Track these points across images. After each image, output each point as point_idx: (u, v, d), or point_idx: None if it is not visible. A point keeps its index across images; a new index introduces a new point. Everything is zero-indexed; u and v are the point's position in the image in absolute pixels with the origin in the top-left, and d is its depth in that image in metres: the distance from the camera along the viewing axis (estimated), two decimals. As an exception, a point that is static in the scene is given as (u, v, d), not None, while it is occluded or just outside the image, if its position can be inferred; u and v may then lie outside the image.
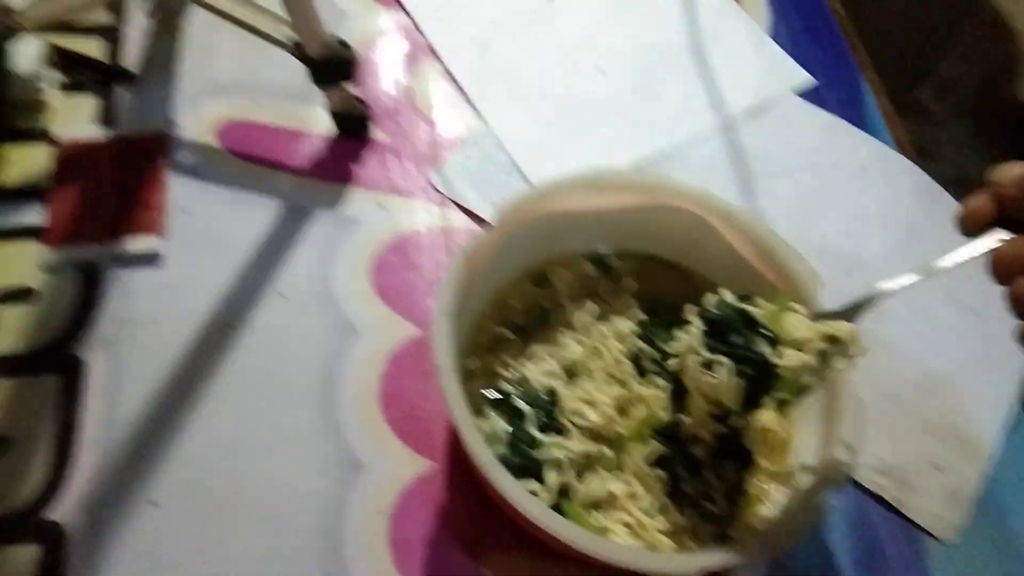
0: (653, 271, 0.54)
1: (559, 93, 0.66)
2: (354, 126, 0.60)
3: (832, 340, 0.42)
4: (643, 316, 0.51)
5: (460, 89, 0.65)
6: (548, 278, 0.53)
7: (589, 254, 0.54)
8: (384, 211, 0.58)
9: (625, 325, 0.50)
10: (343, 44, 0.55)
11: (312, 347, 0.52)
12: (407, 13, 0.68)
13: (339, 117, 0.59)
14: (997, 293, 0.36)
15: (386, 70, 0.65)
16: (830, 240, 0.62)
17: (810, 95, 0.69)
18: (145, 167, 0.56)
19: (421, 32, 0.67)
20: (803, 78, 0.69)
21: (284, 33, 0.54)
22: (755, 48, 0.71)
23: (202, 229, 0.55)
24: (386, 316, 0.54)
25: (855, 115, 0.69)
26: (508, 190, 0.60)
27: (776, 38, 0.72)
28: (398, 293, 0.55)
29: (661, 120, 0.66)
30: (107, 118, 0.59)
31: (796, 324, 0.42)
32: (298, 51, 0.54)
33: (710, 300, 0.44)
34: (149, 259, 0.53)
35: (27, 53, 0.56)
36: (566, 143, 0.64)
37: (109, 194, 0.55)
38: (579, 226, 0.52)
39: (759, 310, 0.43)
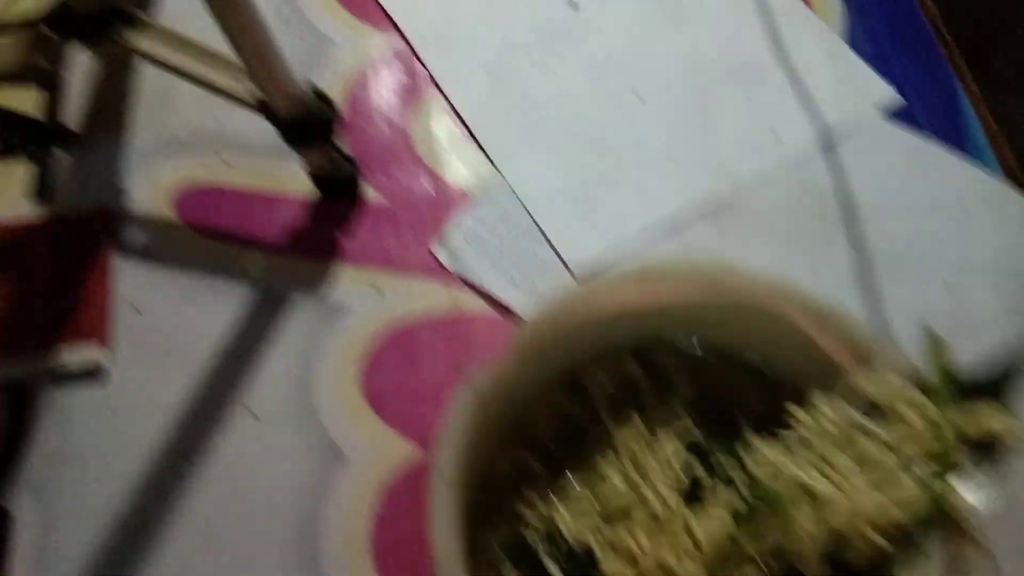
0: (714, 369, 0.43)
1: (590, 129, 0.54)
2: (339, 188, 0.49)
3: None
4: (697, 432, 0.40)
5: (468, 130, 0.53)
6: (582, 383, 0.42)
7: (633, 349, 0.43)
8: (378, 294, 0.47)
9: (672, 448, 0.39)
10: (320, 96, 0.44)
11: (289, 480, 0.42)
12: (404, 36, 0.56)
13: (320, 179, 0.48)
14: None
15: (378, 109, 0.54)
16: (930, 302, 0.50)
17: (898, 114, 0.56)
18: (87, 254, 0.46)
19: (421, 60, 0.56)
20: (888, 95, 0.57)
21: (247, 89, 0.43)
22: (830, 59, 0.58)
23: (155, 330, 0.45)
24: (380, 434, 0.43)
25: (952, 135, 0.56)
26: (531, 261, 0.49)
27: (853, 45, 0.59)
28: (395, 403, 0.44)
29: (717, 159, 0.54)
30: (43, 190, 0.49)
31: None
32: (263, 109, 0.43)
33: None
34: (91, 374, 0.43)
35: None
36: (601, 194, 0.52)
37: (42, 291, 0.45)
38: (623, 320, 0.40)
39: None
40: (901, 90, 0.57)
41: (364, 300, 0.47)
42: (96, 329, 0.44)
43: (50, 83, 0.52)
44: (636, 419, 0.40)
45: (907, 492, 0.29)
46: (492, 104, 0.55)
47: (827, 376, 0.39)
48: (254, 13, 0.38)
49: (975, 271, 0.51)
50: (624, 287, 0.38)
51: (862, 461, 0.30)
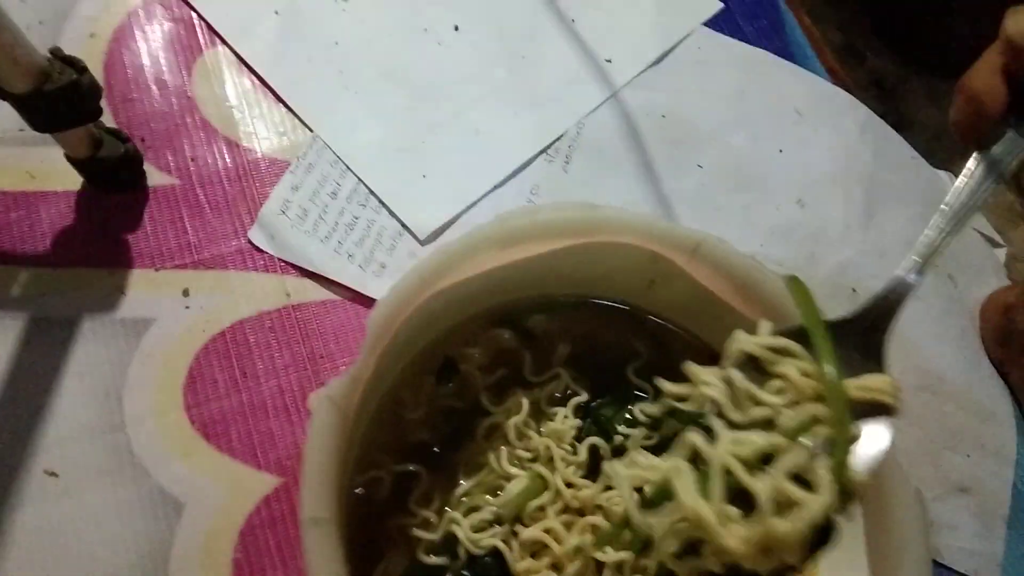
0: (588, 322, 0.39)
1: (404, 67, 0.48)
2: (114, 174, 0.40)
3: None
4: (582, 395, 0.36)
5: (264, 83, 0.45)
6: (454, 365, 0.37)
7: (501, 316, 0.38)
8: (188, 298, 0.39)
9: (564, 422, 0.35)
10: (66, 60, 0.34)
11: (119, 545, 0.34)
12: (165, -21, 0.46)
13: (87, 166, 0.39)
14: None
15: (148, 70, 0.44)
16: (784, 214, 0.49)
17: (720, 23, 0.54)
18: None
19: (193, 7, 0.46)
20: (710, 4, 0.54)
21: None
22: (644, -30, 0.55)
23: None
24: (221, 467, 0.36)
25: (777, 42, 0.55)
26: (365, 231, 0.42)
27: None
28: (231, 426, 0.37)
29: (549, 91, 0.49)
30: None
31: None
32: (-11, 85, 0.33)
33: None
34: None
35: None
36: (431, 142, 0.46)
37: None
38: (485, 286, 0.35)
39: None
40: (720, -1, 0.55)
41: (171, 308, 0.38)
42: None
43: None
44: (522, 400, 0.35)
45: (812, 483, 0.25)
46: (286, 49, 0.46)
47: (709, 314, 0.36)
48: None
49: (822, 180, 0.50)
50: (485, 250, 0.33)
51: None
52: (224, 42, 0.45)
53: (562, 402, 0.36)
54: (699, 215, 0.47)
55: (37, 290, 0.38)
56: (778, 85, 0.53)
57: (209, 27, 0.46)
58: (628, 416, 0.36)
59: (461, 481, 0.35)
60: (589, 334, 0.39)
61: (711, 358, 0.37)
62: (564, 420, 0.35)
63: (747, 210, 0.48)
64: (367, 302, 0.41)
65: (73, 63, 0.35)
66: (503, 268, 0.34)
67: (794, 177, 0.50)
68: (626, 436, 0.35)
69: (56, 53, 0.35)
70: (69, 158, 0.39)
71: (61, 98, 0.34)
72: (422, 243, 0.43)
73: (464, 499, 0.34)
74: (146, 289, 0.39)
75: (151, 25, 0.45)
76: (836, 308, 0.29)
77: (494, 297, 0.37)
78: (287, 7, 0.47)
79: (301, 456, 0.27)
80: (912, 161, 0.53)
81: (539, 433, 0.35)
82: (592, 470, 0.34)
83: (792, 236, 0.48)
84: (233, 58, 0.45)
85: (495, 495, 0.34)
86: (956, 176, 0.29)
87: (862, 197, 0.50)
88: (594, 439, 0.34)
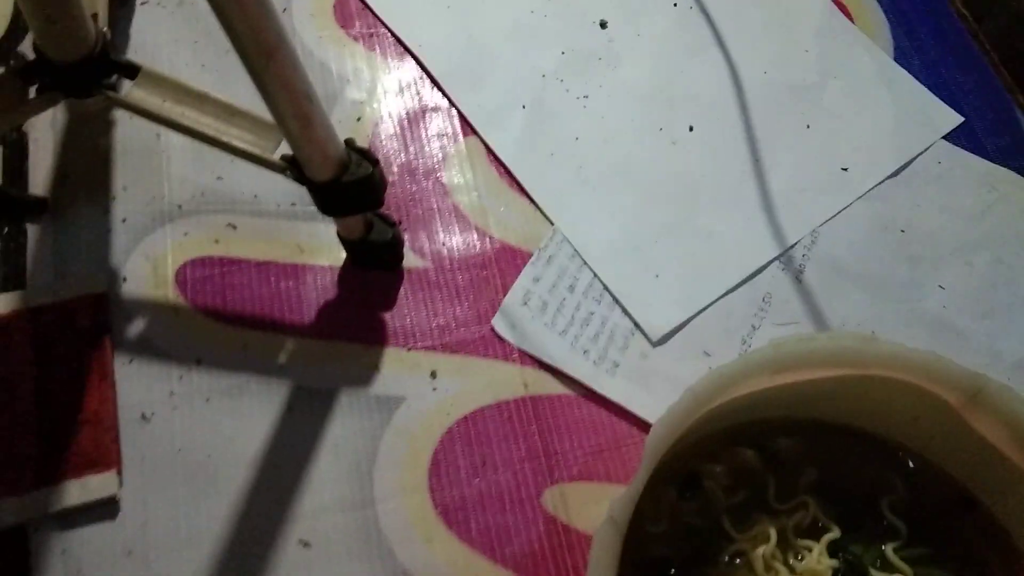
0: (838, 448, 0.38)
1: (640, 165, 0.49)
2: (380, 256, 0.42)
3: None
4: (834, 530, 0.35)
5: (511, 175, 0.47)
6: (698, 479, 0.36)
7: (745, 435, 0.37)
8: (435, 380, 0.40)
9: (820, 561, 0.34)
10: (360, 152, 0.37)
11: (360, 623, 0.35)
12: (427, 71, 0.49)
13: (355, 245, 0.41)
14: None
15: (409, 157, 0.46)
16: (1031, 348, 0.46)
17: (961, 137, 0.52)
18: (83, 354, 0.38)
19: (449, 98, 0.49)
20: (948, 116, 0.53)
21: (268, 147, 0.36)
22: (885, 81, 0.54)
23: (170, 444, 0.37)
24: (460, 557, 0.36)
25: (1020, 160, 0.52)
26: (601, 328, 0.43)
27: (901, 59, 0.55)
28: (471, 514, 0.37)
29: (784, 196, 0.48)
30: (13, 276, 0.40)
31: None
32: (294, 172, 0.36)
33: None
34: (103, 509, 0.35)
35: None
36: (662, 245, 0.46)
37: (28, 409, 0.37)
38: (737, 404, 0.35)
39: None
40: (958, 107, 0.53)
41: (420, 389, 0.40)
42: (106, 451, 0.36)
43: (16, 145, 0.43)
44: (769, 529, 0.34)
45: None
46: (531, 142, 0.48)
47: (978, 461, 0.34)
48: (296, 63, 0.31)
49: (1073, 312, 0.47)
50: (757, 375, 0.33)
51: None
52: (475, 132, 0.48)
53: (809, 533, 0.35)
54: (939, 340, 0.45)
55: (300, 360, 0.40)
56: (1023, 206, 0.50)
57: (462, 117, 0.48)
58: (879, 555, 0.34)
59: (703, 606, 0.34)
60: (838, 461, 0.37)
61: (969, 505, 0.35)
62: (818, 559, 0.34)
63: (992, 339, 0.45)
64: (599, 400, 0.41)
65: (367, 155, 0.37)
66: (766, 393, 0.34)
67: (1043, 306, 0.47)
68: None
69: (351, 144, 0.37)
70: (341, 237, 0.41)
71: (355, 188, 0.36)
72: (653, 344, 0.43)
73: (708, 627, 0.33)
74: (397, 368, 0.40)
75: (411, 112, 0.48)
76: None
77: (741, 415, 0.37)
78: (533, 102, 0.49)
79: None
80: None
81: (787, 566, 0.34)
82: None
83: (1041, 373, 0.44)
84: (482, 148, 0.47)
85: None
86: None
87: (1121, 334, 0.46)
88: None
